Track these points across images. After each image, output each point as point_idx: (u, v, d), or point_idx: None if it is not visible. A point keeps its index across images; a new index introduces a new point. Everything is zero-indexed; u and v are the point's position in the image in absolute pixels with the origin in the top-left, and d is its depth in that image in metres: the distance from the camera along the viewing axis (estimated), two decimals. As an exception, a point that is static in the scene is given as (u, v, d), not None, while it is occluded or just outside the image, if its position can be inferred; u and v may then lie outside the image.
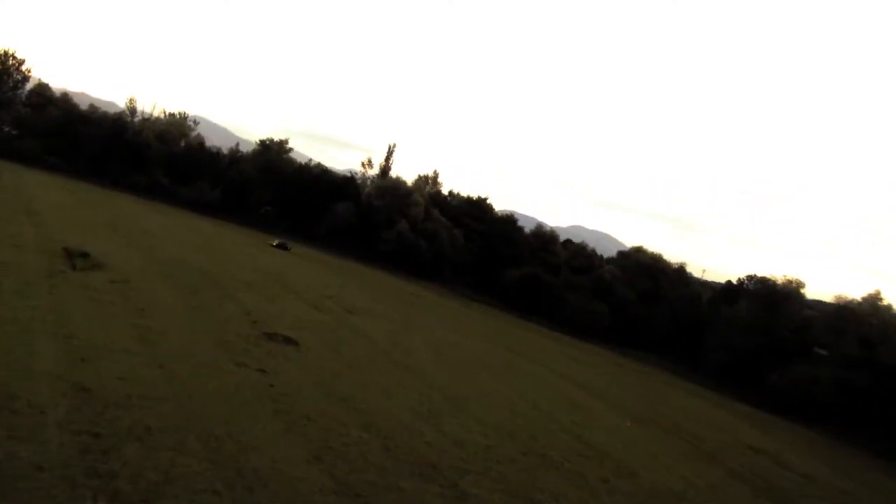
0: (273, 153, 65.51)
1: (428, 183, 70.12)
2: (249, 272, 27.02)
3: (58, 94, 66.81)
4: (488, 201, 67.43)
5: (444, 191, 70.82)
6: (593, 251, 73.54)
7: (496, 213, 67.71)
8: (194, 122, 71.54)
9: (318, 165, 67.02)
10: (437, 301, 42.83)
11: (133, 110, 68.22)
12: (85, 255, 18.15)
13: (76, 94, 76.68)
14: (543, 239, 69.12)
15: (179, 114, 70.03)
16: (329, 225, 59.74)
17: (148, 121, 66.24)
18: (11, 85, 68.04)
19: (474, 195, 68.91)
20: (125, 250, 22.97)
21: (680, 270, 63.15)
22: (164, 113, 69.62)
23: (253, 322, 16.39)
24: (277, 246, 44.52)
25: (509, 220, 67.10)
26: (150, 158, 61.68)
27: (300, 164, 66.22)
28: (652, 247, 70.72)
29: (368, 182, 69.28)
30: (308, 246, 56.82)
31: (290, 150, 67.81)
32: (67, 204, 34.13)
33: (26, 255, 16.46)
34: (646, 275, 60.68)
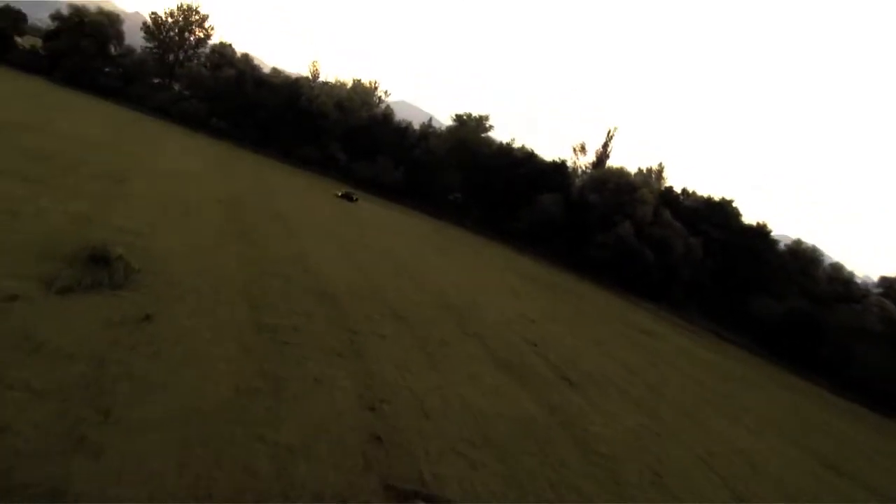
0: (469, 130, 58.61)
1: (651, 177, 60.00)
2: (410, 290, 19.63)
3: (239, 55, 64.47)
4: (734, 204, 56.02)
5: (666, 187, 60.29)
6: (851, 275, 59.69)
7: (743, 221, 56.04)
8: (385, 93, 66.39)
9: (522, 148, 59.07)
10: (681, 345, 33.11)
11: (315, 76, 64.42)
12: (104, 261, 11.10)
13: (262, 63, 74.25)
14: (802, 258, 56.57)
15: (370, 82, 65.18)
16: (529, 220, 51.76)
17: (328, 86, 61.67)
18: (193, 42, 67.05)
19: (714, 195, 57.71)
20: (218, 243, 16.72)
21: None
22: (353, 81, 65.01)
23: (372, 436, 8.47)
24: (343, 196, 39.37)
25: (760, 232, 55.17)
26: (327, 129, 57.12)
27: (500, 145, 58.74)
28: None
29: (580, 171, 60.57)
30: (503, 244, 49.42)
31: (491, 128, 60.56)
32: (189, 171, 28.93)
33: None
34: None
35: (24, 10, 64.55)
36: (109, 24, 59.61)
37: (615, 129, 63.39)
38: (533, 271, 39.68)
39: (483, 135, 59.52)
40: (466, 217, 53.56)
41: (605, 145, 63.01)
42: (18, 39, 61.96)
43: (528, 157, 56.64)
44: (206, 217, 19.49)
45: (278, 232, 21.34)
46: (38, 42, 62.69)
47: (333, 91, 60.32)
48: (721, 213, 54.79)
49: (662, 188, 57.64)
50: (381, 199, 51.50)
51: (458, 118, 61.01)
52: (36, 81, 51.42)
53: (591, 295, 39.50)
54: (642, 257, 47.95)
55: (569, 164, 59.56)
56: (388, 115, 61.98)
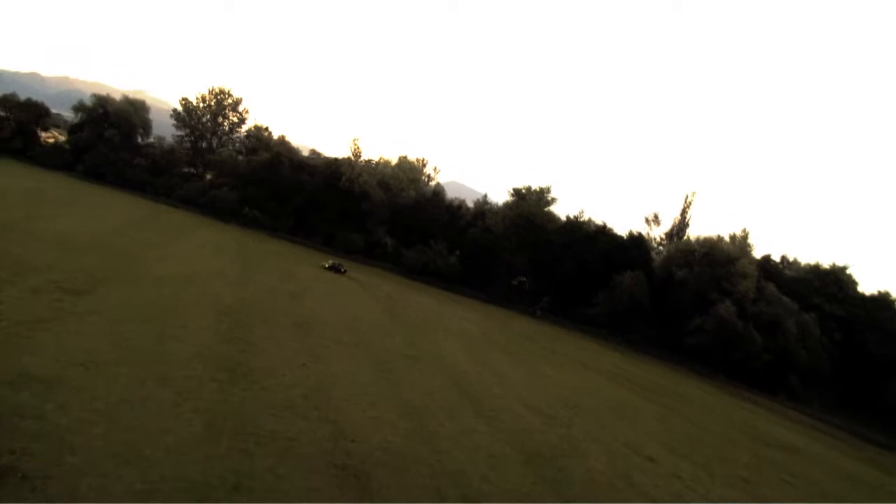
0: (531, 205, 53.29)
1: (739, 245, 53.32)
2: (479, 431, 14.25)
3: (276, 138, 60.91)
4: (847, 271, 48.91)
5: (758, 254, 52.97)
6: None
7: (860, 291, 48.81)
8: (434, 169, 61.85)
9: (590, 221, 53.49)
10: (835, 464, 26.12)
11: (357, 155, 60.14)
12: None
13: (303, 147, 70.49)
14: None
15: (416, 160, 60.67)
16: (609, 304, 45.53)
17: (370, 164, 57.36)
18: (227, 128, 64.25)
19: (822, 263, 50.68)
20: (185, 387, 11.61)
21: None
22: (398, 159, 60.46)
23: None
24: (330, 268, 37.38)
25: (882, 302, 47.85)
26: (371, 212, 52.59)
27: (568, 219, 53.23)
28: None
29: (655, 243, 54.45)
30: (581, 335, 43.33)
31: (554, 200, 55.07)
32: (196, 272, 24.26)
33: None
34: None
35: (50, 104, 63.16)
36: (135, 112, 57.14)
37: (693, 194, 57.27)
38: (624, 370, 33.35)
39: (546, 209, 54.26)
40: (535, 304, 47.67)
41: (683, 212, 56.94)
42: (43, 134, 60.00)
43: (600, 232, 50.90)
44: (188, 339, 14.20)
45: (294, 351, 15.93)
46: (64, 136, 60.73)
47: (377, 170, 55.98)
48: (834, 284, 47.76)
49: (762, 257, 50.99)
50: (436, 287, 46.26)
51: (517, 192, 55.81)
52: (54, 177, 48.54)
53: (699, 396, 32.79)
54: (749, 341, 41.07)
55: (649, 237, 53.67)
56: (438, 192, 57.33)
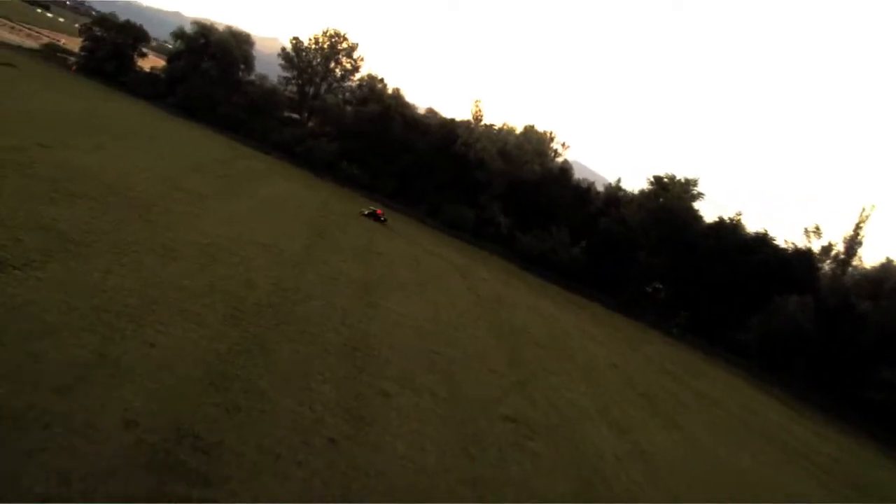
0: (673, 197, 45.06)
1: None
2: None
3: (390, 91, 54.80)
4: None
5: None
6: None
7: None
8: (563, 145, 54.08)
9: (742, 225, 44.70)
10: None
11: (478, 119, 53.21)
12: None
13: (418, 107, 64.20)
14: None
15: (544, 132, 53.16)
16: (764, 332, 37.17)
17: (491, 130, 50.35)
18: (338, 74, 58.56)
19: None
20: None
21: None
22: (524, 128, 53.23)
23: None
24: (369, 215, 33.71)
25: None
26: (486, 184, 45.78)
27: (720, 220, 44.70)
28: None
29: (824, 262, 45.04)
30: (728, 367, 35.32)
31: (700, 196, 46.57)
32: (235, 238, 17.53)
33: None
34: None
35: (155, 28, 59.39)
36: (237, 45, 51.99)
37: (872, 206, 47.33)
38: (795, 434, 25.01)
39: (690, 203, 45.91)
40: (670, 320, 39.76)
41: (857, 228, 47.09)
42: (141, 61, 56.08)
43: (759, 240, 42.17)
44: (143, 372, 7.67)
45: (326, 405, 9.08)
46: (163, 63, 56.75)
47: (498, 137, 48.91)
48: None
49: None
50: (553, 283, 39.17)
51: (657, 180, 47.48)
52: (134, 105, 43.65)
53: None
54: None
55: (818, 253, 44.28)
56: (566, 170, 49.80)
